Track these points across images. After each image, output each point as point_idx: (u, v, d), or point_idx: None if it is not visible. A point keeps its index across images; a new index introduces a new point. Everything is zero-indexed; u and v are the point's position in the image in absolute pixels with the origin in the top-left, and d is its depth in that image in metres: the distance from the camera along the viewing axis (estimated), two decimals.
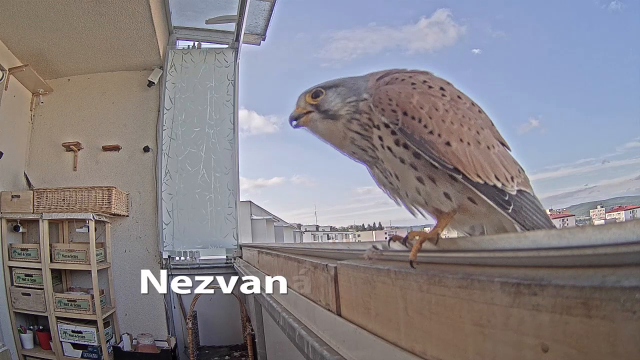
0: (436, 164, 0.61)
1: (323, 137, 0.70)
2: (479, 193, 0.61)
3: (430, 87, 0.65)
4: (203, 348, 3.68)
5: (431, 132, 0.61)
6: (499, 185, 0.62)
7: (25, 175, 3.80)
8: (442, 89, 0.65)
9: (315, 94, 0.69)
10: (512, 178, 0.64)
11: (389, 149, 0.64)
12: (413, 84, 0.65)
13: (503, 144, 0.68)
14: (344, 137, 0.67)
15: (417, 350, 0.51)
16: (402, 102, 0.62)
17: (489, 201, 0.62)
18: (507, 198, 0.62)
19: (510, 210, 0.62)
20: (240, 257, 3.65)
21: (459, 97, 0.65)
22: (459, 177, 0.60)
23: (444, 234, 0.63)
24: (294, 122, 0.70)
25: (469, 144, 0.61)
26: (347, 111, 0.67)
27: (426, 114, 0.62)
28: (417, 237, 0.62)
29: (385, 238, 0.73)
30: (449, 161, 0.60)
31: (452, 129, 0.61)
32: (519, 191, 0.64)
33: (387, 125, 0.63)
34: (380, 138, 0.64)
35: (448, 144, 0.60)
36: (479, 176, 0.61)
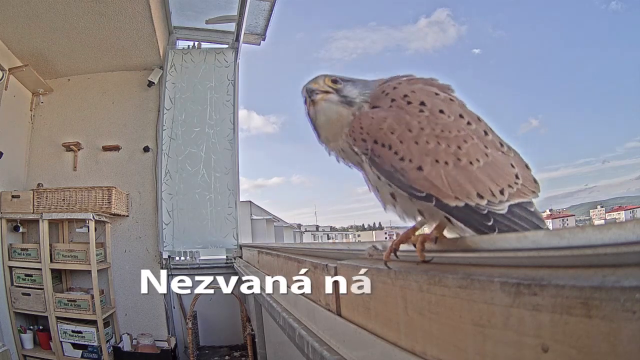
0: (405, 194, 0.58)
1: (325, 124, 0.68)
2: (454, 220, 0.57)
3: (409, 102, 0.61)
4: (203, 348, 3.68)
5: (402, 159, 0.58)
6: (483, 203, 0.57)
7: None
8: (422, 103, 0.61)
9: (335, 80, 0.68)
10: (501, 191, 0.58)
11: (369, 165, 0.63)
12: (393, 100, 0.63)
13: (500, 150, 0.62)
14: (343, 128, 0.66)
15: (417, 350, 0.51)
16: (372, 130, 0.61)
17: (465, 228, 0.57)
18: (490, 223, 0.56)
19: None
20: (240, 257, 3.65)
21: (441, 111, 0.60)
22: (431, 203, 0.57)
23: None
24: (315, 94, 0.67)
25: (446, 163, 0.57)
26: (361, 100, 0.66)
27: (397, 138, 0.59)
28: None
29: (386, 238, 0.73)
30: (421, 187, 0.57)
31: (426, 150, 0.58)
32: (511, 208, 0.58)
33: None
34: None
35: (420, 168, 0.57)
36: (457, 198, 0.57)
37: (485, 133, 0.61)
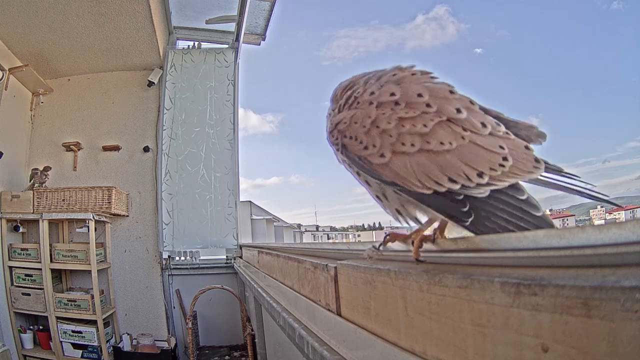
0: (375, 179, 0.59)
1: None
2: (424, 207, 0.56)
3: (372, 92, 0.62)
4: (203, 348, 3.68)
5: (366, 147, 0.58)
6: (456, 188, 0.54)
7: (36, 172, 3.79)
8: (393, 94, 0.60)
9: None
10: (480, 174, 0.54)
11: (344, 161, 0.65)
12: (355, 98, 0.64)
13: (482, 132, 0.58)
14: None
15: (417, 350, 0.51)
16: (341, 124, 0.62)
17: (438, 215, 0.56)
18: (466, 209, 0.54)
19: (468, 224, 0.54)
20: (240, 257, 3.65)
21: (419, 95, 0.58)
22: (396, 189, 0.57)
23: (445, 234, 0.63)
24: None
25: (412, 144, 0.56)
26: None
27: (360, 127, 0.59)
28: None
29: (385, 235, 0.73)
30: (387, 176, 0.57)
31: (387, 134, 0.57)
32: (494, 193, 0.55)
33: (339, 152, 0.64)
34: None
35: (382, 155, 0.57)
36: (424, 186, 0.55)
37: (458, 111, 0.57)
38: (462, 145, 0.55)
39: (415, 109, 0.57)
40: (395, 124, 0.57)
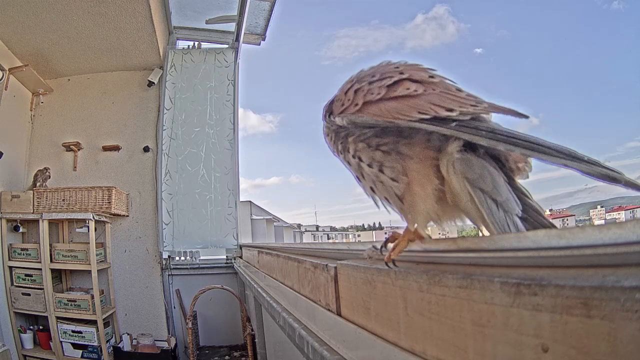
0: (354, 118, 0.66)
1: None
2: (415, 125, 0.58)
3: (363, 72, 0.71)
4: (203, 348, 3.68)
5: (343, 104, 0.69)
6: (426, 118, 0.58)
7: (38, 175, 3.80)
8: (373, 68, 0.70)
9: None
10: (449, 109, 0.57)
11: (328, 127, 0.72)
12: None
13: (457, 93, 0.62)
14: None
15: (417, 350, 0.51)
16: (335, 97, 0.73)
17: (427, 127, 0.57)
18: (454, 124, 0.57)
19: (454, 125, 0.56)
20: (240, 257, 3.65)
21: (395, 67, 0.67)
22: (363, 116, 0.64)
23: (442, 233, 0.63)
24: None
25: (379, 93, 0.64)
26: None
27: (341, 95, 0.70)
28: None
29: (386, 238, 0.73)
30: (360, 117, 0.66)
31: (363, 90, 0.66)
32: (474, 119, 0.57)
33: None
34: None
35: (356, 104, 0.67)
36: (394, 118, 0.60)
37: (431, 77, 0.63)
38: (430, 93, 0.60)
39: (387, 74, 0.65)
40: (367, 83, 0.66)
